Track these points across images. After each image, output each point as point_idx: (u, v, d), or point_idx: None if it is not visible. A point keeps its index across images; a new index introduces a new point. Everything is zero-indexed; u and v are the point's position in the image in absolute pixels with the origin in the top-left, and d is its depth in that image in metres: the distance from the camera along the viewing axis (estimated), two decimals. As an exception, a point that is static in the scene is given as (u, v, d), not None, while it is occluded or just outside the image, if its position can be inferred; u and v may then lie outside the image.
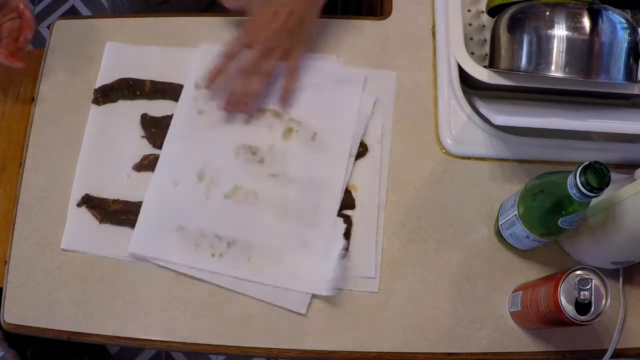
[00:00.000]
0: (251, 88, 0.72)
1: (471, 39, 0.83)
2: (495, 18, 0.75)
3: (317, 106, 0.76)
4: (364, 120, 0.76)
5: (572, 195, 0.56)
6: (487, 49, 0.81)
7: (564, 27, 0.67)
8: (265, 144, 0.74)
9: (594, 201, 0.59)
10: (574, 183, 0.55)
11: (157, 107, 0.76)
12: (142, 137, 0.75)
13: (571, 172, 0.56)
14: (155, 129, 0.75)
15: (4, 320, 0.67)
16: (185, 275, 0.69)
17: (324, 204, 0.71)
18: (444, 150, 0.76)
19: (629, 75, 0.69)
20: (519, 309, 0.66)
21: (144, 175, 0.73)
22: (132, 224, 0.70)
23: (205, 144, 0.74)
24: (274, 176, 0.73)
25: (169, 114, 0.76)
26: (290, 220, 0.71)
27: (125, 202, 0.71)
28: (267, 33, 0.71)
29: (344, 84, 0.77)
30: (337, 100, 0.77)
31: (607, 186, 0.54)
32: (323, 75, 0.78)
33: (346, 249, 0.70)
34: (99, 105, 0.76)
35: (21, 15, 0.73)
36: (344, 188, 0.72)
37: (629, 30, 0.68)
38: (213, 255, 0.69)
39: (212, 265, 0.68)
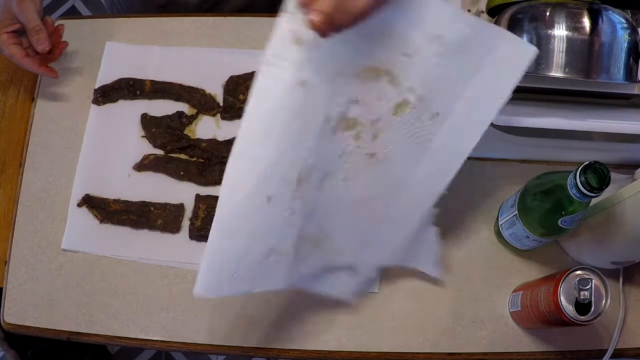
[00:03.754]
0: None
1: (471, 39, 0.83)
2: (495, 18, 0.75)
3: (449, 77, 0.56)
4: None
5: (572, 195, 0.56)
6: (487, 49, 0.81)
7: (564, 27, 0.67)
8: (368, 118, 0.56)
9: (594, 201, 0.59)
10: (574, 183, 0.55)
11: (157, 107, 0.76)
12: (142, 137, 0.75)
13: (571, 172, 0.56)
14: (155, 129, 0.75)
15: (4, 320, 0.67)
16: (185, 275, 0.69)
17: (417, 205, 0.62)
18: (444, 150, 0.75)
19: (629, 75, 0.69)
20: (519, 309, 0.66)
21: (145, 175, 0.73)
22: (132, 224, 0.70)
23: (307, 134, 0.54)
24: (370, 154, 0.58)
25: (169, 113, 0.76)
26: (376, 207, 0.61)
27: (126, 202, 0.71)
28: None
29: (488, 49, 0.55)
30: (480, 73, 0.56)
31: (607, 186, 0.54)
32: (452, 31, 0.54)
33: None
34: (99, 105, 0.76)
35: (57, 31, 0.74)
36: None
37: (629, 30, 0.68)
38: (299, 261, 0.59)
39: (300, 270, 0.60)
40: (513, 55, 0.57)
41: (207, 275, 0.54)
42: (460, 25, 0.54)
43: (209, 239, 0.54)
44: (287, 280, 0.60)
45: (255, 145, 0.53)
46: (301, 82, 0.52)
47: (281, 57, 0.51)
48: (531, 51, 0.57)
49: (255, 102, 0.51)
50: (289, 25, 0.50)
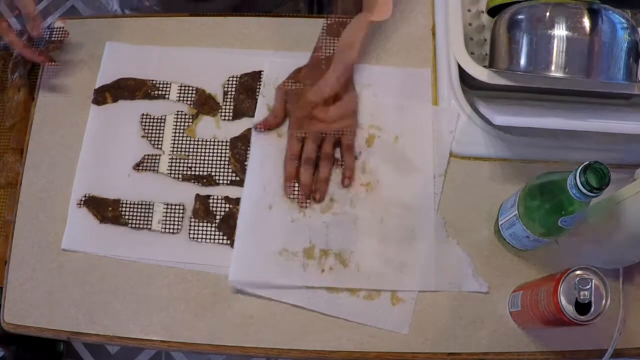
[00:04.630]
0: (321, 175, 0.72)
1: (471, 39, 0.83)
2: (495, 18, 0.75)
3: (390, 110, 0.76)
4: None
5: (572, 195, 0.56)
6: (487, 49, 0.81)
7: (564, 27, 0.67)
8: None
9: (594, 201, 0.59)
10: (574, 183, 0.55)
11: (157, 107, 0.76)
12: (142, 137, 0.75)
13: (571, 172, 0.56)
14: (155, 129, 0.75)
15: (4, 320, 0.67)
16: (185, 275, 0.69)
17: (418, 203, 0.72)
18: (444, 150, 0.76)
19: (629, 75, 0.69)
20: (519, 309, 0.66)
21: (145, 175, 0.73)
22: (132, 224, 0.70)
23: None
24: (366, 185, 0.73)
25: (169, 113, 0.76)
26: (389, 223, 0.71)
27: (126, 202, 0.71)
28: (314, 122, 0.72)
29: (410, 85, 0.78)
30: (407, 100, 0.77)
31: (607, 186, 0.54)
32: (385, 79, 0.78)
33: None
34: (99, 105, 0.76)
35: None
36: (436, 183, 0.73)
37: (629, 30, 0.68)
38: (323, 271, 0.68)
39: (325, 280, 0.68)
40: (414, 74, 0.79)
41: (236, 265, 0.68)
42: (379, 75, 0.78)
43: (236, 234, 0.69)
44: (305, 279, 0.68)
45: (257, 167, 0.73)
46: (278, 133, 0.75)
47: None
48: (425, 72, 0.79)
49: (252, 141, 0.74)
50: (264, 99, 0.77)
